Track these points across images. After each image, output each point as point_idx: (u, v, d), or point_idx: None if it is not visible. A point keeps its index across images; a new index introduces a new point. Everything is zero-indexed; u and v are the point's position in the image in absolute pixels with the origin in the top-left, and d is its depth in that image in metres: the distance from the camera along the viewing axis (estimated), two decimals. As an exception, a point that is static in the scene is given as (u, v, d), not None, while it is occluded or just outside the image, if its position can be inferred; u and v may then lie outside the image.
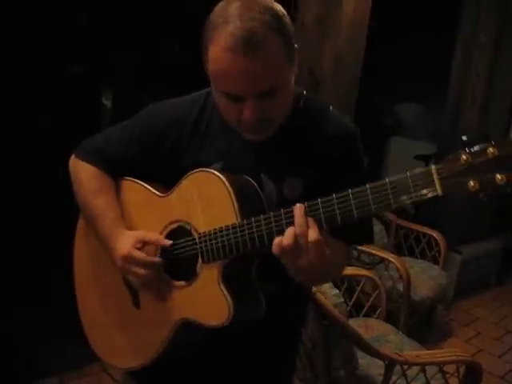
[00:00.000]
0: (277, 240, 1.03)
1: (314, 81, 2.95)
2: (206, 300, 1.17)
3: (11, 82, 4.01)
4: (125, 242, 1.22)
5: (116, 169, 1.32)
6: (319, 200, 1.03)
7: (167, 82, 4.81)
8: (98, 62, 4.87)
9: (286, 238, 1.02)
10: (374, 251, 3.26)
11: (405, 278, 3.10)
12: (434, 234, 3.71)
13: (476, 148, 0.90)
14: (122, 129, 1.35)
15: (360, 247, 3.20)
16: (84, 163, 1.34)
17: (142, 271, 1.21)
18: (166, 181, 1.27)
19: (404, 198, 0.95)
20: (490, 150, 0.89)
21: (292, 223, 1.03)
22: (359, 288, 2.79)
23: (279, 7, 1.10)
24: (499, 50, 4.19)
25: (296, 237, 1.02)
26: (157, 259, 1.22)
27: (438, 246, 3.68)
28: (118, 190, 1.34)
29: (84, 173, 1.33)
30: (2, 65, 3.89)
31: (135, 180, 1.32)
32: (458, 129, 4.16)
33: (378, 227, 3.83)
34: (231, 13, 1.05)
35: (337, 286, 2.53)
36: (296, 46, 1.14)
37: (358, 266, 3.21)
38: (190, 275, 1.21)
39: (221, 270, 1.16)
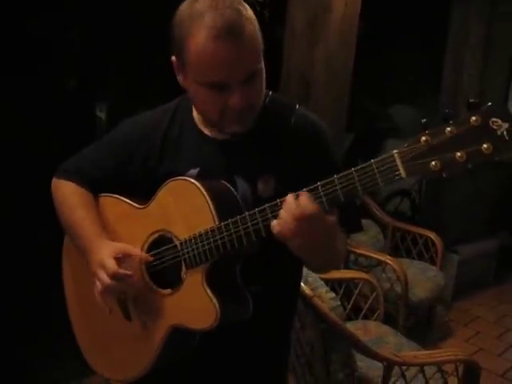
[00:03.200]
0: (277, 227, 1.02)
1: (305, 85, 2.97)
2: (193, 304, 1.18)
3: (5, 97, 4.02)
4: (102, 250, 1.23)
5: (94, 185, 1.35)
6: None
7: (161, 94, 4.82)
8: (92, 74, 4.88)
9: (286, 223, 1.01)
10: (371, 254, 3.27)
11: (402, 280, 3.10)
12: (431, 234, 3.71)
13: (435, 129, 0.92)
14: (96, 147, 1.38)
15: (357, 250, 3.22)
16: (63, 181, 1.38)
17: (108, 281, 1.19)
18: (143, 193, 1.28)
19: (371, 183, 0.98)
20: (448, 129, 0.91)
21: (267, 220, 1.05)
22: (357, 291, 2.80)
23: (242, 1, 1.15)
24: (490, 52, 4.21)
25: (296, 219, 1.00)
26: (124, 272, 1.19)
27: (435, 246, 3.67)
28: (97, 205, 1.36)
29: (64, 190, 1.37)
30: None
31: (113, 195, 1.35)
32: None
33: (374, 230, 3.84)
34: (203, 7, 1.08)
35: (334, 290, 2.55)
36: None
37: (355, 269, 3.22)
38: (175, 282, 1.22)
39: (204, 273, 1.17)
